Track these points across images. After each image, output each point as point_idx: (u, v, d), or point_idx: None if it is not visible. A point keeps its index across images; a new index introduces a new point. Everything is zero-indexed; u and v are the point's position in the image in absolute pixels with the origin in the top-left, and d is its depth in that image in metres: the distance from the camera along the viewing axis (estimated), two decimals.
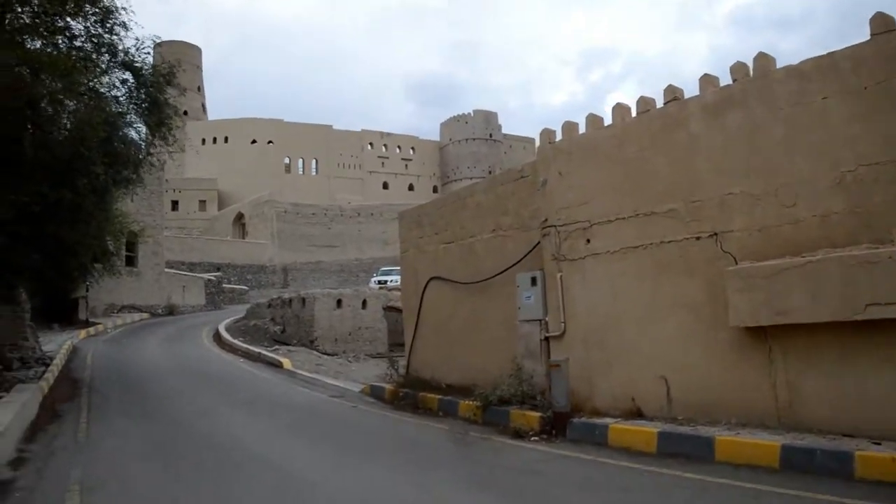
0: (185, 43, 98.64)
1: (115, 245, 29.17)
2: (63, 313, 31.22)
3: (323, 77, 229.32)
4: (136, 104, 17.20)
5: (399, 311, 37.34)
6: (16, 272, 14.47)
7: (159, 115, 16.85)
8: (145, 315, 39.12)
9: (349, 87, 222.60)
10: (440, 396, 12.86)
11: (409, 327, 15.67)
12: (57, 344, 23.58)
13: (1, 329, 17.81)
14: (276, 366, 21.31)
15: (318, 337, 32.32)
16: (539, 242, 11.56)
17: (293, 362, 21.62)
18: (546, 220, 11.23)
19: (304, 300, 33.50)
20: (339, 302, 33.65)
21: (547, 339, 11.26)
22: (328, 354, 28.39)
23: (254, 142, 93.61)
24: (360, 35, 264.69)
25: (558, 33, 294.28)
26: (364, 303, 34.81)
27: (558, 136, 11.45)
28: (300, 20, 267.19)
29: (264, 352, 23.68)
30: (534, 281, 11.57)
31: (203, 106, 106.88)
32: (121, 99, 16.89)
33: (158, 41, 16.86)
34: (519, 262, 12.10)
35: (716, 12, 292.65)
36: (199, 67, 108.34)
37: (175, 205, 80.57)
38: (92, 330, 29.85)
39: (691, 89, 9.43)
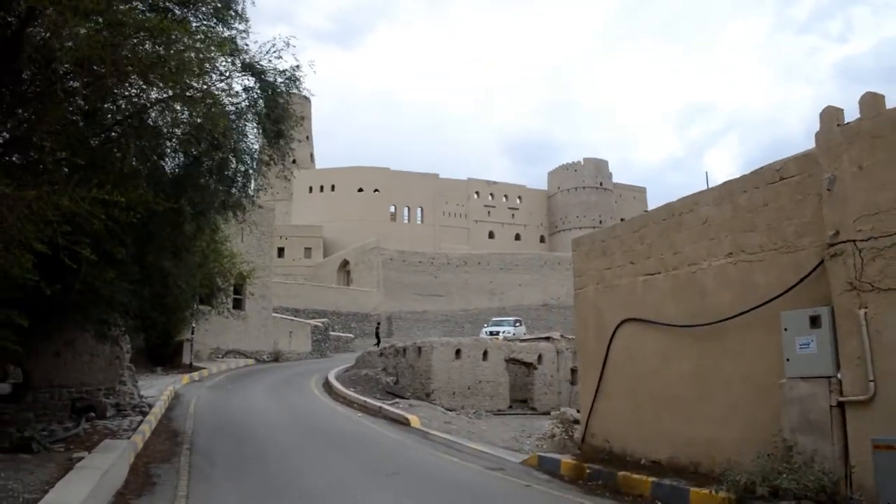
0: (295, 93, 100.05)
1: (224, 284, 27.10)
2: (166, 356, 29.27)
3: (427, 138, 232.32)
4: (255, 113, 14.78)
5: (523, 363, 33.88)
6: (108, 303, 11.93)
7: (278, 126, 14.28)
8: (250, 361, 37.02)
9: (453, 147, 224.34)
10: (654, 479, 9.26)
11: (587, 384, 12.18)
12: (158, 389, 21.23)
13: (96, 371, 15.40)
14: (402, 423, 18.13)
15: (435, 389, 29.19)
16: (818, 267, 8.00)
17: (420, 419, 18.37)
18: (836, 233, 7.70)
19: (419, 349, 30.53)
20: (457, 352, 30.47)
21: (841, 405, 7.60)
22: (449, 410, 25.09)
23: (360, 190, 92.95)
24: (468, 103, 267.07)
25: (658, 90, 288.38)
26: (485, 353, 31.45)
27: (847, 117, 8.01)
28: (410, 89, 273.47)
29: (385, 406, 20.56)
30: (815, 321, 7.97)
31: (311, 155, 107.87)
32: (241, 106, 14.47)
33: (290, 41, 14.40)
34: (780, 296, 8.51)
35: (819, 64, 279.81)
36: (308, 118, 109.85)
37: (281, 251, 79.92)
38: (196, 375, 27.64)
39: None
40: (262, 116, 14.57)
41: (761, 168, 9.18)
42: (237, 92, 13.63)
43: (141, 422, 14.53)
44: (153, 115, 13.70)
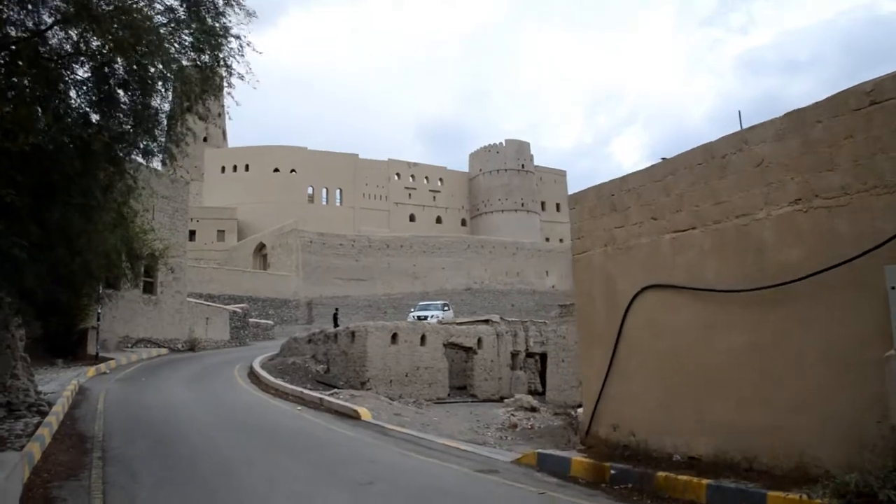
0: (207, 68, 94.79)
1: (136, 263, 23.93)
2: (69, 346, 25.79)
3: (341, 119, 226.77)
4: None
5: (462, 348, 31.96)
6: None
7: (214, 53, 11.80)
8: (164, 350, 33.67)
9: (369, 132, 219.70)
10: (710, 481, 7.41)
11: (593, 366, 10.25)
12: (59, 384, 18.20)
13: None
14: (350, 416, 15.87)
15: (371, 378, 27.02)
16: None
17: (370, 412, 16.16)
18: None
19: (353, 334, 28.20)
20: (394, 337, 28.33)
21: None
22: (392, 400, 22.92)
23: (276, 170, 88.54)
24: (381, 80, 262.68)
25: (567, 78, 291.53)
26: (423, 338, 29.40)
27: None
28: (323, 66, 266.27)
29: (327, 397, 18.19)
30: None
31: (224, 133, 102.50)
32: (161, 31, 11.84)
33: None
34: (879, 247, 6.75)
35: (723, 55, 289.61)
36: (220, 92, 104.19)
37: (192, 234, 75.32)
38: (103, 367, 24.41)
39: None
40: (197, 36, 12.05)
41: (841, 92, 7.38)
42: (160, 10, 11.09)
43: (39, 424, 11.76)
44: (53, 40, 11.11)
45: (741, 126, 9.59)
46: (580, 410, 11.32)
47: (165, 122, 13.01)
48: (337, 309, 54.33)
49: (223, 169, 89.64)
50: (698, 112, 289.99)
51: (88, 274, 13.53)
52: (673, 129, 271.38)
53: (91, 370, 22.81)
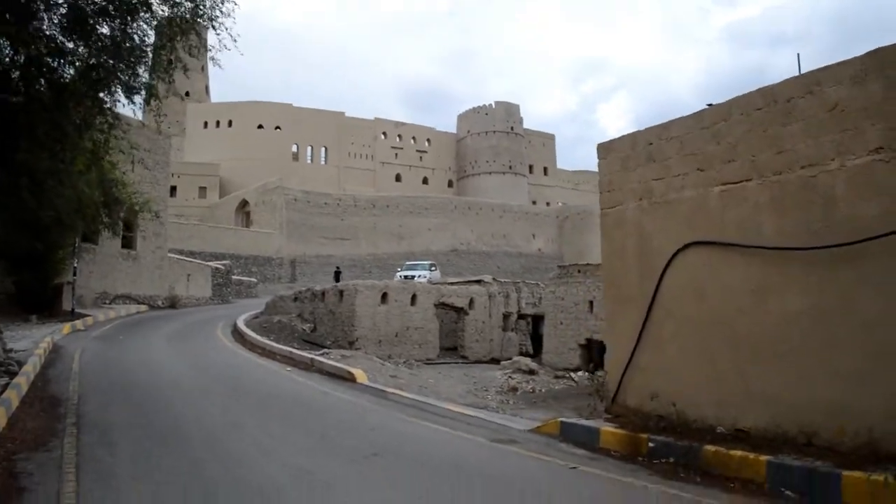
0: (189, 19, 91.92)
1: (111, 210, 22.60)
2: (43, 302, 24.57)
3: (324, 79, 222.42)
4: None
5: (453, 308, 31.08)
6: None
7: None
8: (143, 307, 32.52)
9: (354, 92, 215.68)
10: (770, 458, 6.56)
11: (622, 329, 9.34)
12: (32, 341, 17.09)
13: None
14: (345, 378, 14.94)
15: (360, 338, 26.19)
16: None
17: (366, 374, 15.25)
18: None
19: (341, 293, 27.25)
20: (383, 296, 27.41)
21: None
22: (385, 361, 22.03)
23: (260, 126, 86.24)
24: (366, 39, 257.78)
25: (553, 44, 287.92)
26: (413, 298, 28.50)
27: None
28: (307, 23, 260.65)
29: (318, 357, 17.23)
30: None
31: (206, 88, 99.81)
32: None
33: None
34: None
35: (710, 26, 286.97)
36: (203, 46, 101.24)
37: (173, 190, 73.57)
38: (79, 323, 23.28)
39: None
40: None
41: None
42: None
43: (6, 386, 10.73)
44: None
45: (799, 70, 8.58)
46: (601, 374, 10.43)
47: (150, 56, 11.82)
48: (338, 267, 53.36)
49: (205, 124, 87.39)
50: (684, 81, 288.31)
51: (58, 221, 12.37)
52: (659, 98, 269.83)
53: (66, 327, 21.68)
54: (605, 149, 9.86)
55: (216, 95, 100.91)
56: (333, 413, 10.74)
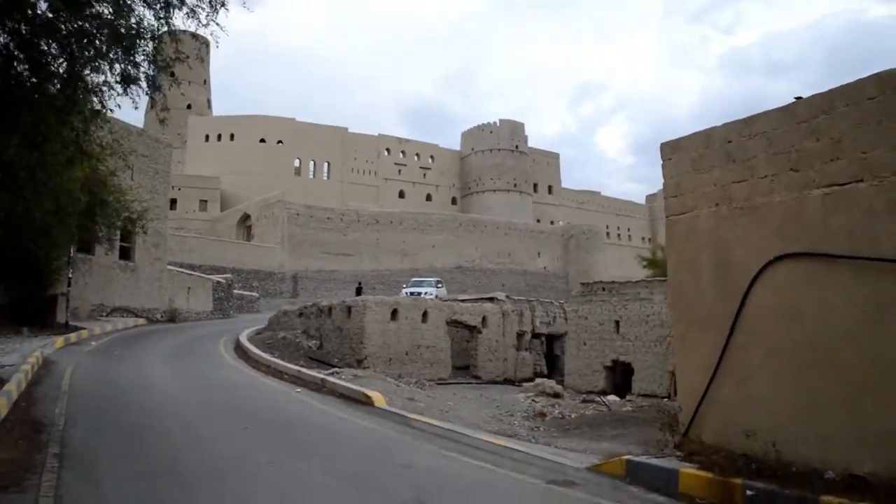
0: (191, 33, 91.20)
1: (103, 213, 21.32)
2: (35, 314, 23.28)
3: (326, 97, 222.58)
4: None
5: (466, 326, 29.79)
6: None
7: None
8: (141, 321, 31.24)
9: (351, 111, 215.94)
10: None
11: (695, 355, 8.09)
12: (21, 355, 15.81)
13: None
14: (361, 402, 13.65)
15: (369, 356, 24.86)
16: None
17: (384, 397, 13.98)
18: None
19: (349, 308, 25.95)
20: (394, 312, 26.13)
21: None
22: (396, 381, 20.74)
23: (262, 140, 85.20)
24: (367, 59, 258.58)
25: (553, 67, 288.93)
26: (425, 315, 27.17)
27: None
28: (309, 43, 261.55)
29: (331, 378, 15.93)
30: None
31: (209, 101, 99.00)
32: None
33: None
34: None
35: (709, 52, 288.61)
36: (204, 61, 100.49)
37: (173, 203, 72.58)
38: (73, 336, 22.01)
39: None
40: None
41: None
42: None
43: None
44: None
45: None
46: (667, 403, 9.16)
47: (150, 43, 10.65)
48: (360, 283, 52.18)
49: (207, 137, 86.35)
50: (683, 106, 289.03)
51: (30, 221, 11.09)
52: (657, 122, 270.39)
53: (59, 340, 20.39)
54: (670, 148, 8.65)
55: (218, 110, 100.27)
56: (357, 444, 9.44)
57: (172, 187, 69.14)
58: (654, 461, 7.69)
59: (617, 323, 22.21)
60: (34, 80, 8.62)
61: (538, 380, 22.95)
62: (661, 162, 8.75)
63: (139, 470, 7.33)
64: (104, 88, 9.93)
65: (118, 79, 9.75)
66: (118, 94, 9.97)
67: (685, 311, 8.36)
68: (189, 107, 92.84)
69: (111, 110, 10.74)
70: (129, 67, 9.81)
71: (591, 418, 15.59)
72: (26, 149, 9.00)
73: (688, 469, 7.20)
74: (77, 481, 6.78)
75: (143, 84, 10.21)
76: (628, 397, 20.15)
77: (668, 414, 8.60)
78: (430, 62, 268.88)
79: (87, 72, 9.29)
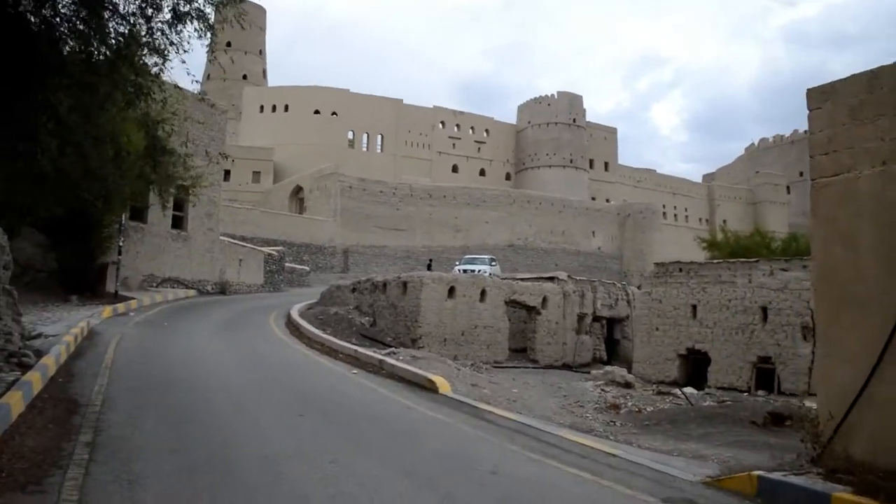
0: (249, 1, 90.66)
1: (156, 163, 20.37)
2: (85, 282, 22.64)
3: (379, 70, 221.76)
4: None
5: (525, 307, 28.44)
6: None
7: None
8: (191, 292, 30.65)
9: (405, 83, 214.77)
10: None
11: (845, 345, 6.60)
12: (66, 325, 15.00)
13: None
14: (424, 387, 12.46)
15: (423, 335, 23.70)
16: None
17: (448, 382, 12.75)
18: None
19: (405, 284, 24.76)
20: (451, 290, 24.88)
21: None
22: (456, 364, 19.52)
23: (317, 112, 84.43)
24: (420, 32, 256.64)
25: (609, 40, 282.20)
26: (483, 293, 25.87)
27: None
28: (362, 17, 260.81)
29: (389, 360, 14.76)
30: None
31: (264, 72, 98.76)
32: None
33: None
34: None
35: (768, 25, 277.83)
36: (262, 29, 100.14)
37: (227, 174, 72.45)
38: (122, 307, 21.29)
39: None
40: None
41: None
42: None
43: (14, 383, 8.47)
44: None
45: None
46: (807, 407, 7.69)
47: None
48: (431, 259, 51.34)
49: (261, 108, 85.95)
50: (740, 79, 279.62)
51: (84, 171, 10.00)
52: (715, 97, 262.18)
53: (107, 310, 19.66)
54: (821, 93, 7.09)
55: (273, 81, 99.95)
56: (430, 442, 8.19)
57: (226, 157, 69.18)
58: (792, 480, 6.26)
59: (694, 307, 20.55)
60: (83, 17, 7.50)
61: (606, 367, 21.47)
62: (806, 112, 7.18)
63: (185, 465, 6.23)
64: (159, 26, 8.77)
65: (170, 13, 8.59)
66: (170, 30, 8.79)
67: (834, 290, 6.85)
68: (245, 77, 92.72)
69: (168, 51, 9.50)
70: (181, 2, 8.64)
71: (670, 413, 14.12)
72: (76, 89, 7.89)
73: (843, 494, 5.76)
74: (108, 479, 5.70)
75: (196, 22, 9.02)
76: (706, 390, 18.58)
77: (810, 419, 7.09)
78: (483, 35, 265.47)
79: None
